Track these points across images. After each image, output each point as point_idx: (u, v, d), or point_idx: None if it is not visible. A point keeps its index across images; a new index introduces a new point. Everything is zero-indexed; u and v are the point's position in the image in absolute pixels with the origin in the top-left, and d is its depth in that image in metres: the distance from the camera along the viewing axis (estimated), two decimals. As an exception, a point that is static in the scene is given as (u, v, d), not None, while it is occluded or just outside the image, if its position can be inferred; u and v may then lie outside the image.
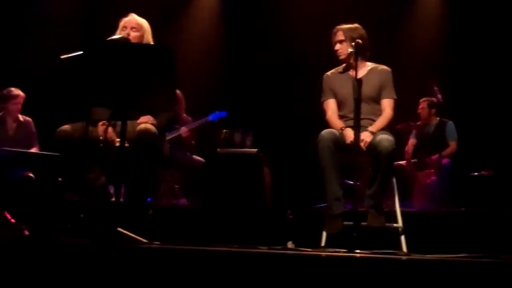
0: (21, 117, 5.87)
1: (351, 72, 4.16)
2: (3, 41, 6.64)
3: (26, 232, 5.22)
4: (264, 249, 3.18)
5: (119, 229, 3.30)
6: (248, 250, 2.94)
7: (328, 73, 4.37)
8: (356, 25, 4.24)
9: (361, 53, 4.13)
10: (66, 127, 3.80)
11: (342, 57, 4.21)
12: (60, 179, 5.25)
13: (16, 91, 5.79)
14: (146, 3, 6.55)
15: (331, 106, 4.27)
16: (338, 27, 4.24)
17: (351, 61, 4.14)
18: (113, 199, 3.88)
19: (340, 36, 4.20)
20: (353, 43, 4.08)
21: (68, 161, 3.86)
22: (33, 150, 5.71)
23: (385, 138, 3.90)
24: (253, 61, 6.95)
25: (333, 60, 4.31)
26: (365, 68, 4.26)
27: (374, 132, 4.00)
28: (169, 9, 7.22)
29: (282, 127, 6.73)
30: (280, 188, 5.47)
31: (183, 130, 5.99)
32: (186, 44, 7.09)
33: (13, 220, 5.36)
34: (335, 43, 4.24)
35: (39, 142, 5.87)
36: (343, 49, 4.18)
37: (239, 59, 7.06)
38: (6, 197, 5.48)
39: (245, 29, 7.14)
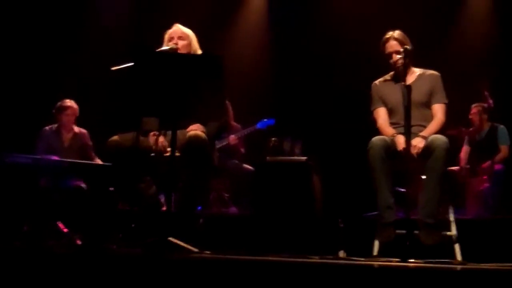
0: (76, 129, 5.98)
1: (400, 79, 4.10)
2: (57, 55, 6.78)
3: (79, 242, 5.31)
4: (315, 259, 3.15)
5: (170, 238, 3.31)
6: (299, 259, 2.91)
7: (376, 82, 4.34)
8: (399, 31, 4.19)
9: (410, 59, 4.07)
10: (117, 137, 3.86)
11: (400, 67, 4.07)
12: (111, 188, 5.32)
13: (69, 102, 5.90)
14: (193, 13, 6.61)
15: (381, 115, 4.23)
16: (391, 36, 4.18)
17: (400, 68, 4.08)
18: (164, 208, 3.91)
19: (396, 46, 4.14)
20: (401, 49, 4.02)
21: (120, 171, 3.91)
22: (93, 161, 5.81)
23: (439, 137, 3.87)
24: (301, 68, 6.93)
25: (384, 65, 4.25)
26: (414, 74, 4.22)
27: (426, 137, 3.94)
28: (217, 17, 7.26)
29: (331, 135, 6.67)
30: (330, 196, 5.42)
31: (232, 138, 6.01)
32: (234, 52, 7.11)
33: (66, 230, 5.46)
34: (391, 53, 4.17)
35: (94, 153, 5.97)
36: (401, 59, 4.06)
37: (287, 66, 7.05)
38: (59, 207, 5.59)
39: (293, 35, 7.13)
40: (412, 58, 4.15)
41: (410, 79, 4.11)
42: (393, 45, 4.16)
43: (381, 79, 4.34)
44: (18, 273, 2.76)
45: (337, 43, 6.84)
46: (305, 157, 5.19)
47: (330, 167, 5.81)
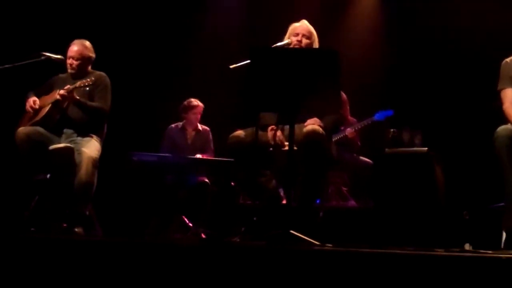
0: (200, 126, 6.21)
1: None
2: (182, 57, 7.03)
3: (203, 235, 5.48)
4: (440, 252, 3.07)
5: (291, 231, 3.35)
6: (424, 252, 2.85)
7: (508, 59, 4.07)
8: None
9: None
10: (237, 133, 3.95)
11: None
12: (233, 183, 5.46)
13: (196, 101, 6.16)
14: (305, 8, 6.62)
15: (509, 96, 3.99)
16: None
17: None
18: (284, 201, 3.96)
19: None
20: None
21: (241, 166, 4.00)
22: (206, 156, 5.99)
23: None
24: (418, 55, 6.74)
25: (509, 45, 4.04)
26: None
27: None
28: (329, 9, 7.21)
29: (453, 123, 6.45)
30: (454, 188, 5.25)
31: (349, 131, 5.96)
32: (348, 43, 7.04)
33: (190, 224, 5.66)
34: None
35: (213, 149, 6.15)
36: None
37: (403, 54, 6.88)
38: (184, 202, 5.80)
39: (407, 21, 6.94)
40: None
41: None
42: None
43: None
44: (146, 266, 2.89)
45: (455, 23, 6.58)
46: (425, 148, 5.06)
47: (453, 157, 5.63)
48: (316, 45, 4.11)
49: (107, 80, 4.79)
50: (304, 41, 4.05)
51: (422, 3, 6.86)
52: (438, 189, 4.82)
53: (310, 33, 4.10)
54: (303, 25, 4.12)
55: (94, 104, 4.67)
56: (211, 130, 6.24)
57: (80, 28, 5.55)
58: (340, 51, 3.42)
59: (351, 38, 7.24)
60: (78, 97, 4.59)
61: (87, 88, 4.59)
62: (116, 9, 6.93)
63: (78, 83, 4.56)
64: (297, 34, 4.07)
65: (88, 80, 4.57)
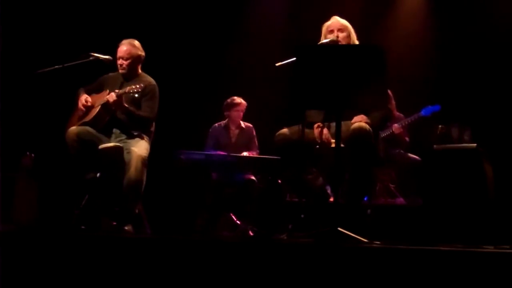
0: (243, 124, 6.24)
1: None
2: (227, 56, 7.08)
3: (251, 233, 5.51)
4: (490, 249, 3.02)
5: (339, 228, 3.34)
6: (474, 249, 2.81)
7: None
8: None
9: None
10: (284, 130, 3.96)
11: None
12: (280, 181, 5.47)
13: (238, 99, 6.19)
14: (350, 5, 6.58)
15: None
16: None
17: None
18: (331, 199, 3.95)
19: None
20: None
21: (287, 163, 4.01)
22: (252, 153, 6.02)
23: None
24: (465, 49, 6.63)
25: None
26: None
27: None
28: (376, 6, 7.15)
29: (502, 119, 6.31)
30: (504, 185, 5.14)
31: (396, 127, 5.90)
32: (395, 38, 6.96)
33: (238, 222, 5.69)
34: None
35: (258, 146, 6.17)
36: None
37: (450, 48, 6.77)
38: (231, 200, 5.84)
39: (456, 14, 6.82)
40: None
41: None
42: None
43: None
44: (194, 263, 2.93)
45: (501, 15, 6.44)
46: (475, 144, 4.97)
47: (502, 153, 5.52)
48: (353, 36, 4.10)
49: (156, 88, 4.84)
50: (340, 35, 4.04)
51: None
52: (488, 186, 4.73)
53: (344, 26, 4.10)
54: (335, 21, 4.13)
55: (141, 113, 4.71)
56: (257, 128, 6.26)
57: (127, 28, 5.63)
58: (387, 46, 3.40)
59: (398, 33, 7.16)
60: (126, 105, 4.64)
61: (136, 95, 4.62)
62: (163, 9, 7.02)
63: (127, 89, 4.61)
64: (332, 31, 4.07)
65: (138, 86, 4.59)
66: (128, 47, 4.83)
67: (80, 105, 4.78)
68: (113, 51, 4.90)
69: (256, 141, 6.21)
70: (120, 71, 4.85)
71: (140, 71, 4.91)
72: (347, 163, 3.77)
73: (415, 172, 5.69)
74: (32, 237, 3.31)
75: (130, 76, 4.83)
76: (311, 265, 2.72)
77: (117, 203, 4.63)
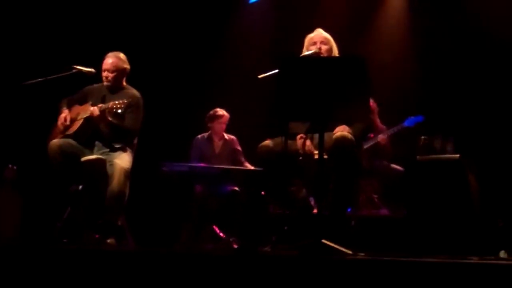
0: (226, 136, 6.24)
1: None
2: (210, 68, 7.08)
3: (235, 245, 5.48)
4: (475, 259, 3.03)
5: (323, 240, 3.33)
6: (458, 260, 2.81)
7: None
8: None
9: None
10: (267, 142, 3.95)
11: None
12: (263, 192, 5.46)
13: (221, 111, 6.20)
14: (332, 18, 6.62)
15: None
16: None
17: None
18: (315, 210, 3.95)
19: None
20: None
21: (270, 175, 4.00)
22: (243, 166, 6.01)
23: None
24: (447, 60, 6.67)
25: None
26: None
27: None
28: (355, 17, 7.19)
29: (485, 129, 6.36)
30: (488, 195, 5.17)
31: (381, 137, 5.94)
32: (376, 50, 7.00)
33: (222, 234, 5.66)
34: None
35: (246, 158, 6.16)
36: None
37: (432, 59, 6.81)
38: (215, 212, 5.82)
39: (437, 25, 6.87)
40: None
41: None
42: None
43: None
44: (178, 276, 2.90)
45: (484, 26, 6.50)
46: (458, 155, 5.00)
47: (486, 164, 5.55)
48: (335, 49, 4.14)
49: (140, 101, 4.83)
50: (323, 47, 4.08)
51: (453, 7, 6.80)
52: (472, 196, 4.76)
53: (327, 39, 4.14)
54: (318, 33, 4.17)
55: (124, 125, 4.70)
56: (240, 140, 6.26)
57: (111, 41, 5.62)
58: (370, 57, 3.40)
59: (380, 44, 7.20)
60: (110, 119, 4.63)
61: (119, 111, 4.59)
62: (147, 21, 7.02)
63: (110, 104, 4.56)
64: (315, 43, 4.10)
65: (121, 102, 4.54)
66: (114, 59, 4.82)
67: (59, 123, 4.76)
68: (95, 64, 4.88)
69: (241, 153, 6.20)
70: (105, 83, 4.83)
71: (124, 83, 4.90)
72: (330, 174, 3.77)
73: (398, 183, 5.71)
74: (14, 250, 3.27)
75: (114, 88, 4.81)
76: (295, 278, 2.71)
77: (99, 215, 4.59)
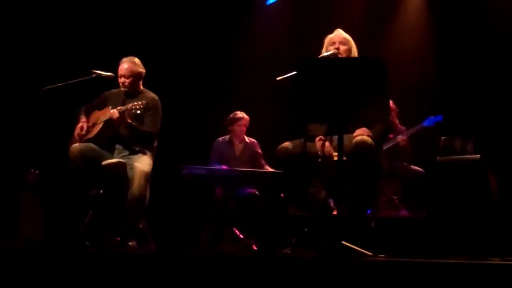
0: (246, 139, 6.25)
1: None
2: (230, 71, 7.11)
3: (254, 247, 5.49)
4: (496, 260, 3.01)
5: (343, 242, 3.33)
6: (479, 261, 2.79)
7: None
8: None
9: None
10: (286, 144, 3.95)
11: None
12: (282, 194, 5.46)
13: (241, 113, 6.21)
14: (351, 18, 6.60)
15: None
16: None
17: None
18: (335, 212, 3.94)
19: None
20: None
21: (290, 177, 4.01)
22: (263, 169, 6.02)
23: None
24: (466, 60, 6.63)
25: None
26: None
27: None
28: (377, 18, 7.17)
29: (505, 130, 6.30)
30: (509, 196, 5.13)
31: (400, 138, 5.92)
32: (397, 50, 6.98)
33: (241, 236, 5.67)
34: None
35: (266, 161, 6.16)
36: None
37: (452, 59, 6.77)
38: (234, 214, 5.83)
39: (458, 25, 6.82)
40: None
41: None
42: None
43: None
44: (198, 278, 2.92)
45: (504, 26, 6.45)
46: (478, 155, 4.97)
47: (507, 165, 5.50)
48: (354, 50, 4.12)
49: (158, 103, 4.86)
50: (342, 47, 4.06)
51: (473, 6, 6.75)
52: (492, 197, 4.72)
53: (346, 39, 4.12)
54: (337, 34, 4.15)
55: (144, 128, 4.74)
56: (259, 142, 6.27)
57: (128, 45, 5.66)
58: (389, 58, 3.40)
59: (399, 43, 7.17)
60: (129, 121, 4.67)
61: (138, 112, 4.63)
62: (164, 24, 7.05)
63: (129, 105, 4.63)
64: (334, 43, 4.09)
65: (140, 103, 4.61)
66: (129, 65, 4.86)
67: (75, 133, 4.81)
68: (114, 68, 4.92)
69: (262, 156, 6.20)
70: (122, 89, 4.87)
71: (142, 87, 4.93)
72: (350, 176, 3.76)
73: (418, 184, 5.68)
74: (37, 254, 3.31)
75: (132, 93, 4.85)
76: (315, 279, 2.71)
77: (121, 219, 4.62)
